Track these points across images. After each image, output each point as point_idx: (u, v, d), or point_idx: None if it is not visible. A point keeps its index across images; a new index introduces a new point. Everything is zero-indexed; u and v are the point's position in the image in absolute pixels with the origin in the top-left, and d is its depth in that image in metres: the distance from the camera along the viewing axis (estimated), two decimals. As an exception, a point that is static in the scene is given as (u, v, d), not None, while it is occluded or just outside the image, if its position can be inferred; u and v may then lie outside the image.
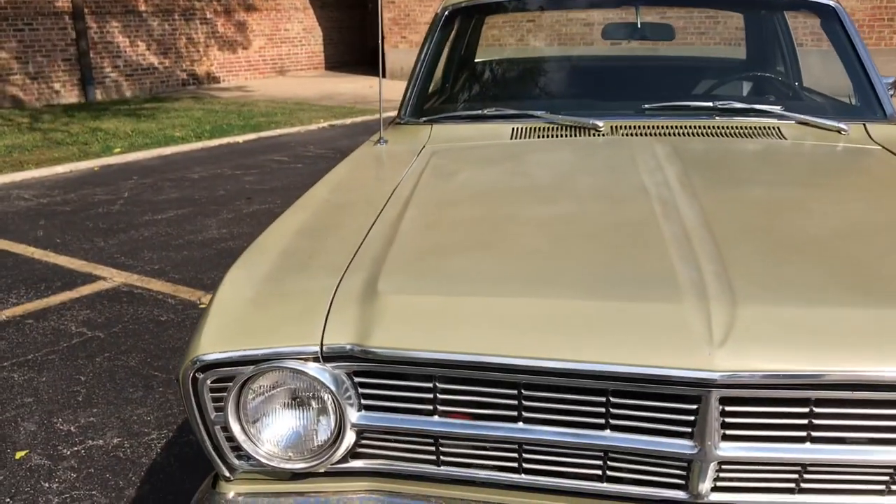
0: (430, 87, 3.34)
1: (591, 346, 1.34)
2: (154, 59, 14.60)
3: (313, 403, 1.47)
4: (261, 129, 10.04)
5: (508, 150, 2.39)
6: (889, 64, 10.33)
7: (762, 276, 1.46)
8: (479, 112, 2.70)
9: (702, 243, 1.57)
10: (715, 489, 1.39)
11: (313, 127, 10.47)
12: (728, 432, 1.34)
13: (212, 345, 1.44)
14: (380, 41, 2.45)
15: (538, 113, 2.60)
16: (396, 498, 1.51)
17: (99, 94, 13.66)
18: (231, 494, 1.55)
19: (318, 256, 1.66)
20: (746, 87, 3.20)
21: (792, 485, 1.38)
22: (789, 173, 2.14)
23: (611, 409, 1.37)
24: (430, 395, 1.42)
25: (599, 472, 1.42)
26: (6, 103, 12.41)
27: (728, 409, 1.33)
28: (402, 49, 14.86)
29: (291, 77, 16.95)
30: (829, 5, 2.84)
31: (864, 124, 2.51)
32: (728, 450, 1.34)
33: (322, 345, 1.42)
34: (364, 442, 1.49)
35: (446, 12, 3.01)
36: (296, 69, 17.52)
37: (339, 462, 1.49)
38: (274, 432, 1.48)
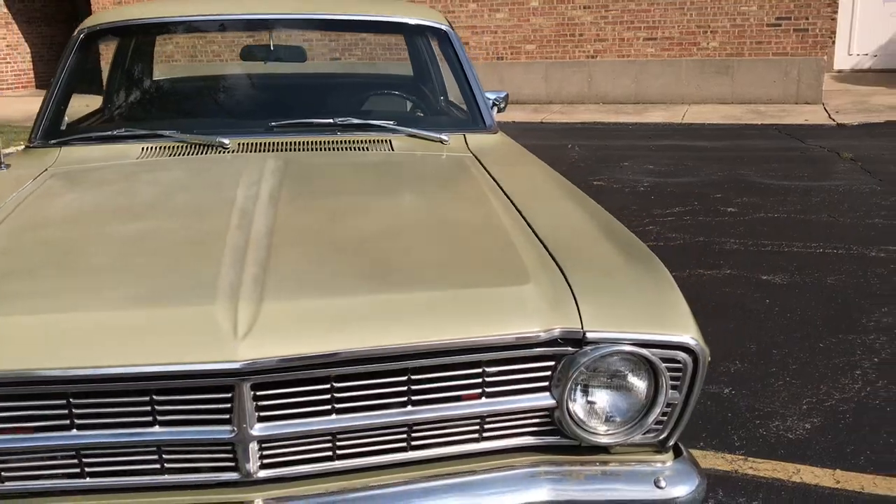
0: (86, 109, 3.30)
1: (130, 351, 1.46)
2: None
3: None
4: (-51, 156, 9.12)
5: (127, 171, 2.45)
6: (574, 76, 11.52)
7: (296, 275, 1.65)
8: (109, 133, 2.74)
9: (257, 250, 1.74)
10: (263, 466, 1.56)
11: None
12: (263, 414, 1.52)
13: None
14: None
15: (167, 132, 2.68)
16: None
17: None
18: None
19: None
20: (377, 104, 3.48)
21: (329, 452, 1.59)
22: (377, 182, 2.39)
23: (156, 407, 1.50)
24: (-22, 415, 1.47)
25: (158, 466, 1.55)
26: None
27: (260, 393, 1.51)
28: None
29: (-5, 97, 15.53)
30: (441, 29, 3.18)
31: (465, 135, 2.86)
32: (263, 430, 1.52)
33: None
34: None
35: (82, 35, 3.00)
36: (0, 88, 16.07)
37: None
38: None
